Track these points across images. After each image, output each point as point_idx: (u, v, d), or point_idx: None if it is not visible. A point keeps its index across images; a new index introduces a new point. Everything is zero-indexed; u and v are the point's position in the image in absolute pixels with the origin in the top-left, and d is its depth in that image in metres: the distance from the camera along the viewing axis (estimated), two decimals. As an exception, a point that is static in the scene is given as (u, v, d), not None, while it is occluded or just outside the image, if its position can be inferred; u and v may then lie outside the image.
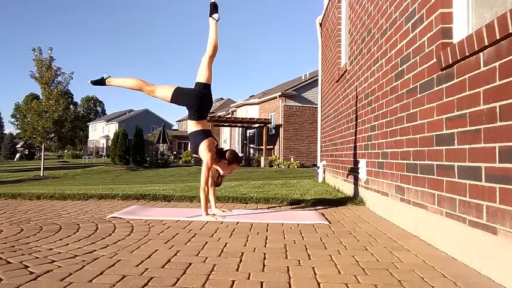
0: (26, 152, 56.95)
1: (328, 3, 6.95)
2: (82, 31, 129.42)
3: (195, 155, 3.42)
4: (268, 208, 3.88)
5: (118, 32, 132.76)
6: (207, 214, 3.27)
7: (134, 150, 24.76)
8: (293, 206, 4.01)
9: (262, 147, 23.36)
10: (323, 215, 3.45)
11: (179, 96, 3.35)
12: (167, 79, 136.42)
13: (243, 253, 2.15)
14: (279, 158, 22.32)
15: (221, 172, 3.53)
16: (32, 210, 3.62)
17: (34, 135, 23.07)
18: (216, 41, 3.44)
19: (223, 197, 4.34)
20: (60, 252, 2.11)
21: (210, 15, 3.49)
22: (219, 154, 3.43)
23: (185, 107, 3.38)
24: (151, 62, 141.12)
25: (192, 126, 3.38)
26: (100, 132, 59.17)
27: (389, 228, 2.87)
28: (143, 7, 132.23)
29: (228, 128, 29.05)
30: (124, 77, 3.57)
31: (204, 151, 3.30)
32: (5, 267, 1.82)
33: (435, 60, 2.29)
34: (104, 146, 51.88)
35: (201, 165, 3.35)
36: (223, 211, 3.53)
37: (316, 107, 10.04)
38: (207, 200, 3.33)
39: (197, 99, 3.33)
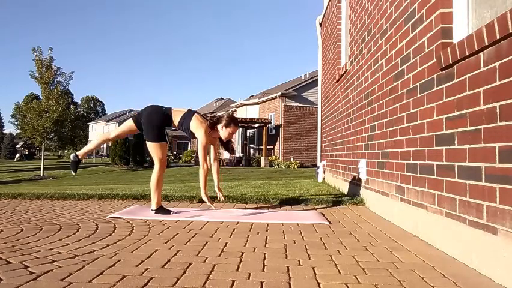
0: (26, 152, 56.99)
1: (328, 3, 6.95)
2: (82, 31, 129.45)
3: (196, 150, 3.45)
4: (268, 208, 3.88)
5: (116, 33, 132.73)
6: (206, 193, 3.32)
7: (134, 150, 24.79)
8: (293, 206, 4.00)
9: (262, 147, 23.36)
10: (323, 215, 3.45)
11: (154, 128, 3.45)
12: (166, 79, 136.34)
13: (243, 253, 2.15)
14: (279, 158, 22.32)
15: (222, 138, 3.49)
16: (32, 210, 3.62)
17: (34, 135, 23.10)
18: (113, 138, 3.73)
19: (224, 196, 4.33)
20: (60, 252, 2.11)
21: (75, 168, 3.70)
22: (212, 123, 3.44)
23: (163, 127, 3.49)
24: (149, 63, 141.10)
25: (176, 119, 3.41)
26: (100, 132, 59.17)
27: (389, 228, 2.87)
28: (142, 8, 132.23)
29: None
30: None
31: (195, 128, 3.31)
32: (5, 267, 1.82)
33: (435, 60, 2.29)
34: (104, 146, 51.83)
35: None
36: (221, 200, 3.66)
37: (316, 107, 10.04)
38: (206, 180, 3.34)
39: (157, 127, 3.41)
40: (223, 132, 3.44)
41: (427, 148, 2.42)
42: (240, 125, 24.91)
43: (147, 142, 3.43)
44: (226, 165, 22.72)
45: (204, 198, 3.32)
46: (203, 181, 3.30)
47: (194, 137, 3.40)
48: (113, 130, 3.70)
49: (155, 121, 3.39)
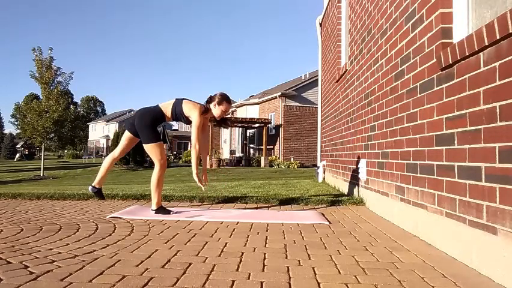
0: (26, 152, 57.01)
1: (328, 3, 6.95)
2: (81, 31, 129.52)
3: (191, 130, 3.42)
4: (268, 208, 3.88)
5: (116, 33, 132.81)
6: (197, 174, 3.31)
7: (134, 150, 24.76)
8: (293, 206, 4.00)
9: (262, 147, 23.35)
10: (323, 215, 3.45)
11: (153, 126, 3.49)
12: (166, 79, 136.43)
13: (243, 253, 2.15)
14: (279, 158, 22.31)
15: (216, 116, 3.48)
16: (32, 210, 3.62)
17: (34, 135, 23.09)
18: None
19: (224, 197, 4.34)
20: (60, 252, 2.11)
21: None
22: (206, 103, 3.46)
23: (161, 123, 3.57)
24: (149, 63, 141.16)
25: (167, 111, 3.43)
26: (100, 132, 59.15)
27: (389, 228, 2.87)
28: (142, 8, 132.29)
29: (228, 128, 29.04)
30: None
31: (189, 110, 3.35)
32: (5, 267, 1.82)
33: (435, 60, 2.29)
34: (104, 146, 51.86)
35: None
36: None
37: (316, 107, 10.04)
38: (198, 160, 3.36)
39: (150, 125, 3.46)
40: (216, 110, 3.44)
41: (427, 148, 2.42)
42: (240, 125, 24.94)
43: (144, 145, 3.44)
44: (226, 165, 22.72)
45: (195, 178, 3.33)
46: (195, 161, 3.32)
47: (190, 122, 3.40)
48: (115, 149, 3.76)
49: (149, 121, 3.41)
